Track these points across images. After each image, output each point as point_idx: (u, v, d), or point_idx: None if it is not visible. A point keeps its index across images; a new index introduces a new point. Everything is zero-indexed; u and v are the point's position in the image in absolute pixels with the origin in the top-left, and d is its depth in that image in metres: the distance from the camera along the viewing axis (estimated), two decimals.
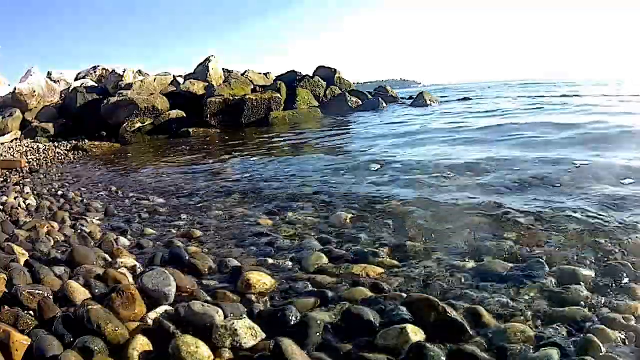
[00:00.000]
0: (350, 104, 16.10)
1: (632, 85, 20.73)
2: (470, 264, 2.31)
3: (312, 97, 16.10)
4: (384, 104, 16.26)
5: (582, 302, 1.83)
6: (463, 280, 2.14)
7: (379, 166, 5.46)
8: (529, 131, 7.23)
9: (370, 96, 17.49)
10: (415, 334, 1.59)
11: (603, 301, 1.84)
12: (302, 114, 14.75)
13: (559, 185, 3.82)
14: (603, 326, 1.64)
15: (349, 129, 11.25)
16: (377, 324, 1.73)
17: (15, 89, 16.28)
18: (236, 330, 1.65)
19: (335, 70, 17.84)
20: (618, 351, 1.53)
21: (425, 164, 5.26)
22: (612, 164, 4.39)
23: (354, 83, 19.04)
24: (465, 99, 18.81)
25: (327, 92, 16.77)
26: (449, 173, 4.62)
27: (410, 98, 18.83)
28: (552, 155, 5.08)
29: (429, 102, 16.53)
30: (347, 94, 16.58)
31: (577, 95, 15.54)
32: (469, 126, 8.98)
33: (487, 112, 12.00)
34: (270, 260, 2.57)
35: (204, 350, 1.57)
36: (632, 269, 2.10)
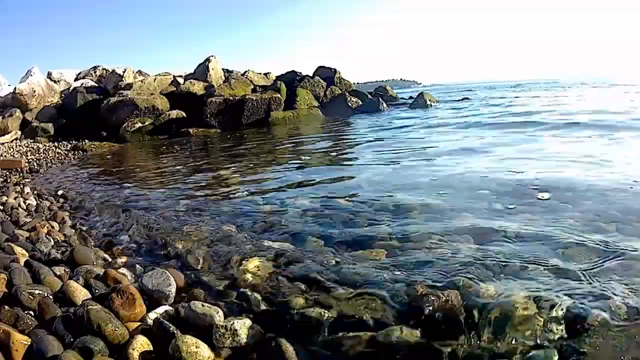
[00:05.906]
0: (350, 104, 16.09)
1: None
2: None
3: (312, 97, 16.09)
4: (384, 105, 16.26)
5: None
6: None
7: None
8: None
9: (370, 96, 17.48)
10: (413, 331, 1.59)
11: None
12: (301, 115, 14.77)
13: None
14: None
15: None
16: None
17: (15, 89, 16.27)
18: (236, 330, 1.65)
19: (335, 70, 17.82)
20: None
21: None
22: None
23: (354, 83, 19.02)
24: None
25: (327, 92, 16.76)
26: None
27: (410, 98, 18.82)
28: None
29: (428, 103, 16.52)
30: (347, 94, 16.55)
31: None
32: None
33: None
34: (271, 256, 2.56)
35: (204, 350, 1.57)
36: None
